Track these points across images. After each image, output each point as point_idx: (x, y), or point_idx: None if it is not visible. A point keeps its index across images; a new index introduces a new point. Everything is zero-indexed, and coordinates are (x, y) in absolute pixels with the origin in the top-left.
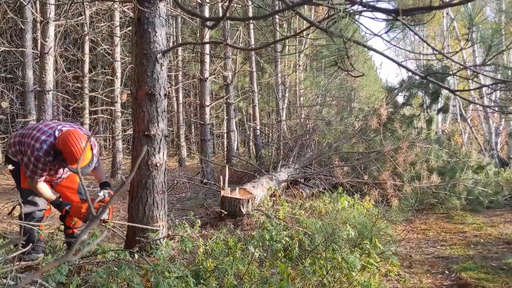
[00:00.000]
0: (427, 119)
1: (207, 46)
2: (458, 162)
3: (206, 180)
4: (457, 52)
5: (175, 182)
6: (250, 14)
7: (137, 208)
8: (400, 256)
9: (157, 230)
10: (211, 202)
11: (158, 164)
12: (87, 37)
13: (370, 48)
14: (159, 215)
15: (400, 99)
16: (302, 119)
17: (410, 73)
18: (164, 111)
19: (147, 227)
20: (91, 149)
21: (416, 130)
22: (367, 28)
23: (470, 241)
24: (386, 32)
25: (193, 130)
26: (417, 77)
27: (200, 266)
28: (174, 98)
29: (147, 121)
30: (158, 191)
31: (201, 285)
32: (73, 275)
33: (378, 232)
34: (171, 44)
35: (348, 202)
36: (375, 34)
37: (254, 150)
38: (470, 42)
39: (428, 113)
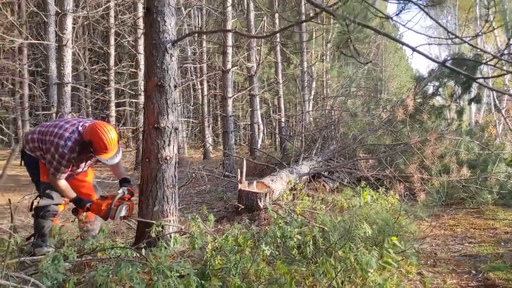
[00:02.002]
0: (458, 109)
1: (230, 38)
2: (491, 155)
3: (227, 173)
4: (474, 37)
5: (194, 174)
6: (275, 4)
7: (147, 203)
8: (424, 254)
9: (163, 225)
10: (231, 195)
11: (168, 158)
12: (112, 30)
13: (375, 30)
14: (169, 209)
15: (429, 89)
16: (326, 110)
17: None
18: (175, 103)
19: (153, 222)
20: (118, 140)
21: (446, 121)
22: (376, 10)
23: (500, 238)
24: (397, 14)
25: (219, 122)
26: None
27: (207, 264)
28: (199, 90)
29: (157, 114)
30: (168, 185)
31: (205, 285)
32: (75, 273)
33: (400, 229)
34: (203, 37)
35: (372, 196)
36: (386, 17)
37: (279, 141)
38: (490, 23)
39: (459, 104)
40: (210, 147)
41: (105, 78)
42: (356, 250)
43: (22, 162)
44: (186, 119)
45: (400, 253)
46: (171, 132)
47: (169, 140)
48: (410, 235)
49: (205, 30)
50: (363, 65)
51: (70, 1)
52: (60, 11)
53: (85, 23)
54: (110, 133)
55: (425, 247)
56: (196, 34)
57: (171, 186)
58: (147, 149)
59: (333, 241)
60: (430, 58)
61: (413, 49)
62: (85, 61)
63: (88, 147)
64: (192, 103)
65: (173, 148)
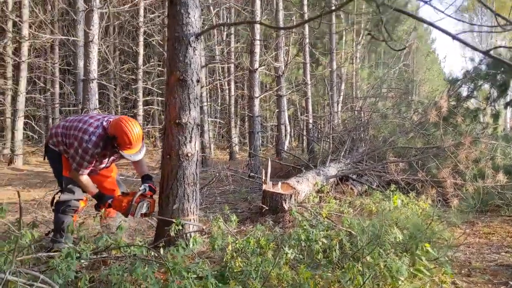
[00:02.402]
0: (493, 113)
1: (257, 36)
2: None
3: (252, 174)
4: None
5: (219, 174)
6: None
7: (167, 200)
8: (458, 263)
9: (183, 224)
10: (255, 196)
11: (189, 154)
12: (141, 29)
13: (408, 14)
14: (190, 208)
15: (464, 91)
16: (356, 111)
17: (475, 63)
18: (197, 98)
19: (172, 220)
20: (142, 137)
21: (481, 125)
22: None
23: None
24: None
25: (246, 123)
26: (483, 68)
27: (227, 266)
28: (227, 91)
29: (179, 109)
30: (189, 182)
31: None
32: (89, 271)
33: (433, 235)
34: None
35: (402, 201)
36: (424, 1)
37: (307, 143)
38: None
39: (495, 107)
40: (237, 147)
41: (133, 77)
42: (385, 256)
43: (46, 156)
44: (213, 119)
45: (433, 260)
46: (193, 128)
47: (191, 137)
48: (443, 242)
49: (230, 23)
50: (394, 66)
51: None
52: (87, 7)
53: (116, 22)
54: (135, 129)
55: (458, 256)
56: (223, 30)
57: (192, 184)
58: (168, 145)
59: (361, 245)
60: (472, 47)
61: (453, 37)
62: (113, 60)
63: (112, 142)
64: (219, 103)
65: (195, 145)
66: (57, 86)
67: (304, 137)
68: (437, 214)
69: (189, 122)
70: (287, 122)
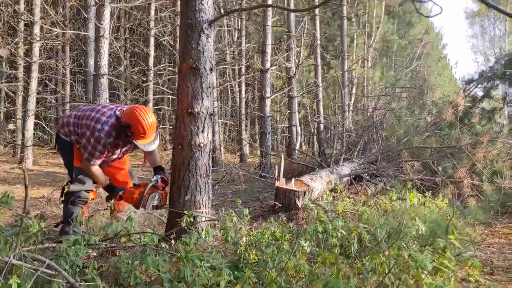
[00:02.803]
0: (510, 113)
1: (269, 37)
2: None
3: (264, 174)
4: None
5: (230, 172)
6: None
7: (179, 192)
8: (480, 262)
9: (195, 216)
10: (267, 196)
11: (201, 145)
12: (152, 31)
13: None
14: (202, 200)
15: (479, 92)
16: (369, 110)
17: (491, 63)
18: (210, 87)
19: (184, 212)
20: (156, 127)
21: (498, 125)
22: None
23: None
24: None
25: (256, 126)
26: (499, 67)
27: (241, 257)
28: (237, 93)
29: (191, 98)
30: (202, 174)
31: (238, 276)
32: (98, 259)
33: (453, 232)
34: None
35: (418, 199)
36: None
37: (317, 147)
38: None
39: None
40: (247, 150)
41: (144, 78)
42: (407, 249)
43: (56, 146)
44: (223, 120)
45: (456, 256)
46: (205, 118)
47: (203, 126)
48: (465, 238)
49: (243, 8)
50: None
51: None
52: (98, 1)
53: (127, 25)
54: (149, 118)
55: (479, 254)
56: (235, 31)
57: (204, 175)
58: (180, 135)
59: (381, 238)
60: (502, 11)
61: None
62: (124, 61)
63: (125, 131)
64: (229, 105)
65: (207, 135)
66: (67, 87)
67: (315, 141)
68: (459, 210)
69: (202, 112)
70: (297, 124)
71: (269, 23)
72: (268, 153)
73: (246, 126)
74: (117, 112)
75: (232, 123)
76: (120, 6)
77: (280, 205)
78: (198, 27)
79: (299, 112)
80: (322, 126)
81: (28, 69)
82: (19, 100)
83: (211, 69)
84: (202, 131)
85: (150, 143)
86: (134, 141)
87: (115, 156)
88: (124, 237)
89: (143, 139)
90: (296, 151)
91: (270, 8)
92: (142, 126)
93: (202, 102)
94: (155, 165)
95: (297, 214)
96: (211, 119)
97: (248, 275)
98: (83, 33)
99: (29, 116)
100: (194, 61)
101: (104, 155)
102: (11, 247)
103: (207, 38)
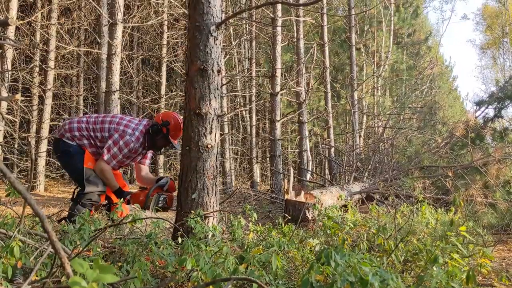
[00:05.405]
0: None
1: (279, 62)
2: None
3: (275, 195)
4: None
5: (240, 187)
6: (325, 34)
7: (186, 194)
8: (495, 271)
9: (202, 215)
10: (278, 214)
11: (209, 146)
12: (164, 59)
13: None
14: (210, 202)
15: (490, 112)
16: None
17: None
18: (217, 89)
19: (192, 212)
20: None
21: (510, 144)
22: None
23: None
24: None
25: (267, 152)
26: (510, 87)
27: (248, 250)
28: (248, 121)
29: (199, 99)
30: (209, 175)
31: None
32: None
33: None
34: (253, 66)
35: (430, 212)
36: None
37: (328, 173)
38: None
39: None
40: (258, 178)
41: (156, 106)
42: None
43: (56, 151)
44: (233, 146)
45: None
46: (213, 119)
47: (211, 127)
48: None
49: (251, 7)
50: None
51: (121, 11)
52: (110, 21)
53: (140, 57)
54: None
55: (494, 265)
56: (245, 58)
57: (212, 177)
58: (188, 136)
59: (391, 234)
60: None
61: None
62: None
63: (158, 133)
64: (241, 132)
65: (215, 136)
66: (80, 113)
67: (326, 167)
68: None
69: (209, 113)
70: (308, 149)
71: (279, 48)
72: (278, 172)
73: (257, 153)
74: (144, 122)
75: (243, 150)
76: (132, 24)
77: (289, 217)
78: (206, 30)
79: (310, 140)
80: (332, 150)
81: (42, 97)
82: (33, 128)
83: (218, 71)
84: (210, 132)
85: (178, 143)
86: (170, 138)
87: (125, 163)
88: (130, 223)
89: (176, 137)
90: (306, 171)
91: (279, 33)
92: (180, 122)
93: (209, 103)
94: (150, 179)
95: (307, 226)
96: (218, 121)
97: (254, 254)
98: (96, 50)
99: (42, 140)
100: (201, 62)
101: (125, 159)
102: (13, 223)
103: (214, 40)
